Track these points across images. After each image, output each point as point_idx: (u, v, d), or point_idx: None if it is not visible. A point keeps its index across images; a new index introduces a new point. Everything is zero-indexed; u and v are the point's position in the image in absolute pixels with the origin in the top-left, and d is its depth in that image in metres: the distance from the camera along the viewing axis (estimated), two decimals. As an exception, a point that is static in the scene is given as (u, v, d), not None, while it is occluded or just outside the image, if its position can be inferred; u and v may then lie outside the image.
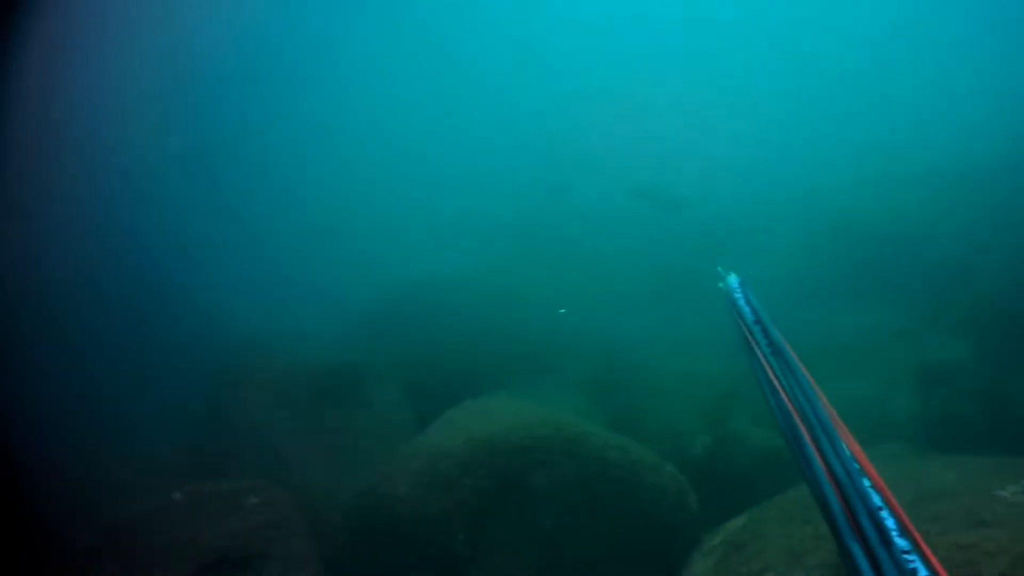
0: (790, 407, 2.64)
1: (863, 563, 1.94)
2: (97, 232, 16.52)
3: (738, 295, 3.62)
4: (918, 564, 1.93)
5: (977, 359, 10.32)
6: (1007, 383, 9.58)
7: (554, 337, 12.94)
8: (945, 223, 13.46)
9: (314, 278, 16.50)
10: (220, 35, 21.86)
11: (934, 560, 2.00)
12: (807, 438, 2.44)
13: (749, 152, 20.75)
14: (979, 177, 14.35)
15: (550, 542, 7.05)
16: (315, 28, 28.48)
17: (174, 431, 10.17)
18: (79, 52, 17.22)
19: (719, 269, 3.93)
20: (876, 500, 2.13)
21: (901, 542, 1.97)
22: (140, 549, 5.88)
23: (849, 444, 2.37)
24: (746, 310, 3.45)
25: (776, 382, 2.82)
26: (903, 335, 11.58)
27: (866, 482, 2.20)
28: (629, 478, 7.51)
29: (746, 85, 26.95)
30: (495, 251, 17.52)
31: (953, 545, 4.68)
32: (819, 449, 2.35)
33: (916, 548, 1.95)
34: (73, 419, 10.20)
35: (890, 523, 2.04)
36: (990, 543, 4.65)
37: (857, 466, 2.26)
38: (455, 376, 11.08)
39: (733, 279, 3.79)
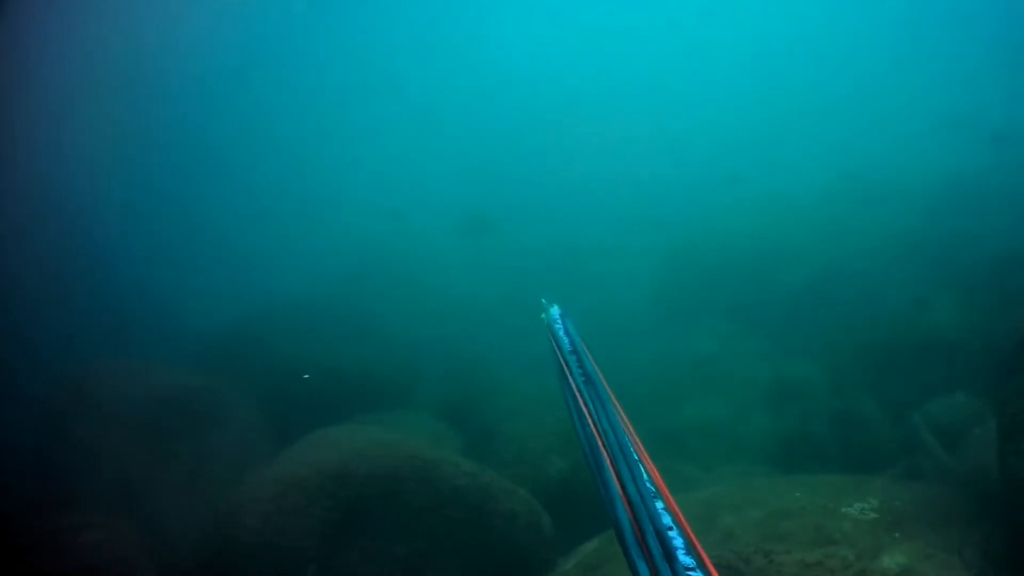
0: (595, 432, 2.76)
1: (643, 571, 2.04)
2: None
3: (558, 325, 3.80)
4: (672, 521, 2.20)
5: (827, 381, 11.04)
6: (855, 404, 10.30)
7: (409, 360, 13.13)
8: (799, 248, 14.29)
9: (166, 296, 15.98)
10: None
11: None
12: (607, 462, 2.55)
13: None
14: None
15: (404, 570, 7.15)
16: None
17: (8, 458, 9.70)
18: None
19: (543, 301, 4.12)
20: (667, 520, 2.24)
21: (686, 559, 2.06)
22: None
23: (648, 469, 2.51)
24: (564, 340, 3.61)
25: (584, 408, 2.94)
26: (758, 357, 12.24)
27: (659, 504, 2.31)
28: (481, 503, 7.68)
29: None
30: (350, 275, 17.49)
31: (799, 563, 4.98)
32: (617, 472, 2.46)
33: (701, 565, 2.05)
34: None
35: (678, 542, 2.14)
36: (835, 560, 4.96)
37: (652, 488, 2.39)
38: (311, 402, 11.04)
39: (555, 310, 3.97)
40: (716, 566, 2.03)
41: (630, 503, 2.30)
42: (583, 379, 3.15)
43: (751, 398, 11.32)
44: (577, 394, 3.08)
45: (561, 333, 3.73)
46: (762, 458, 10.18)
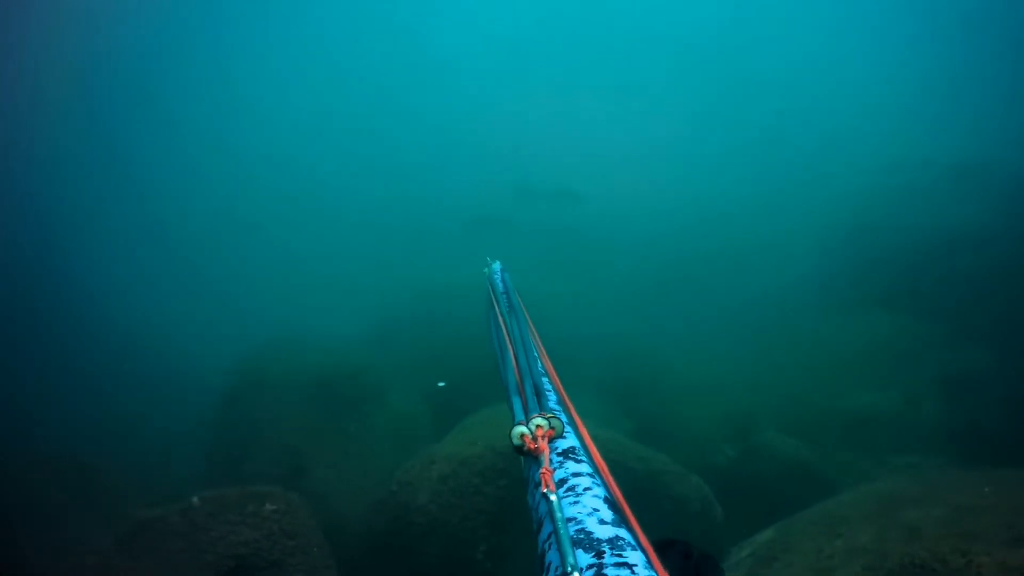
0: (506, 335, 3.47)
1: (518, 407, 2.66)
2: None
3: (496, 276, 4.48)
4: (557, 408, 2.71)
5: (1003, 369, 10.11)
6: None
7: (574, 341, 12.74)
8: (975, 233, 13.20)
9: (332, 283, 16.36)
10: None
11: (564, 395, 2.82)
12: (509, 347, 3.31)
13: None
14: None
15: (574, 552, 6.88)
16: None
17: (192, 432, 10.05)
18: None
19: (487, 258, 4.79)
20: (540, 367, 3.03)
21: (552, 397, 2.81)
22: (158, 553, 5.76)
23: (539, 350, 3.25)
24: (499, 285, 4.31)
25: (502, 322, 3.67)
26: (927, 344, 11.36)
27: (539, 366, 3.04)
28: (653, 489, 7.41)
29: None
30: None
31: (1000, 566, 4.50)
32: (515, 352, 3.23)
33: (560, 400, 2.80)
34: (87, 419, 10.12)
35: (548, 387, 2.91)
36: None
37: (537, 357, 3.12)
38: (472, 383, 10.92)
39: (496, 265, 4.68)
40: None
41: (519, 367, 3.06)
42: (507, 308, 3.87)
43: (920, 387, 10.44)
44: (499, 315, 3.82)
45: (498, 280, 4.41)
46: (934, 450, 9.39)
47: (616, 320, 13.41)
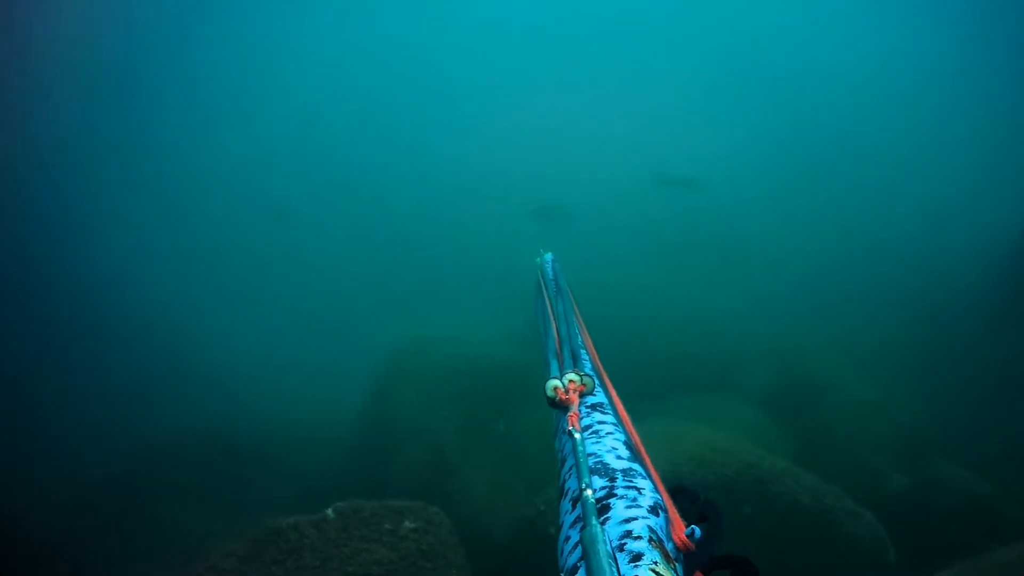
0: (550, 311, 3.62)
1: (555, 367, 3.01)
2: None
3: (547, 265, 4.51)
4: (591, 371, 2.84)
5: None
6: None
7: (729, 338, 11.82)
8: None
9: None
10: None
11: (600, 367, 3.01)
12: (552, 323, 3.45)
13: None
14: None
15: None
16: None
17: (336, 424, 9.96)
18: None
19: (540, 250, 4.80)
20: (580, 341, 3.18)
21: (588, 364, 3.00)
22: (288, 566, 5.52)
23: (581, 329, 3.37)
24: (549, 272, 4.35)
25: (548, 302, 3.81)
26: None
27: (579, 339, 3.18)
28: (823, 526, 6.78)
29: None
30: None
31: None
32: (556, 326, 3.35)
33: (595, 368, 3.00)
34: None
35: (585, 356, 3.08)
36: None
37: (578, 333, 3.23)
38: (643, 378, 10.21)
39: (548, 255, 4.68)
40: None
41: (559, 338, 3.21)
42: (555, 292, 3.92)
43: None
44: (546, 296, 3.92)
45: (548, 269, 4.44)
46: None
47: (767, 320, 12.32)
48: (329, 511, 5.71)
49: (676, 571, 1.82)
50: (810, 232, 16.33)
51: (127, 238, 18.28)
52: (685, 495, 2.32)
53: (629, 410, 2.67)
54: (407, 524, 5.71)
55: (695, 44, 27.16)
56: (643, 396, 9.48)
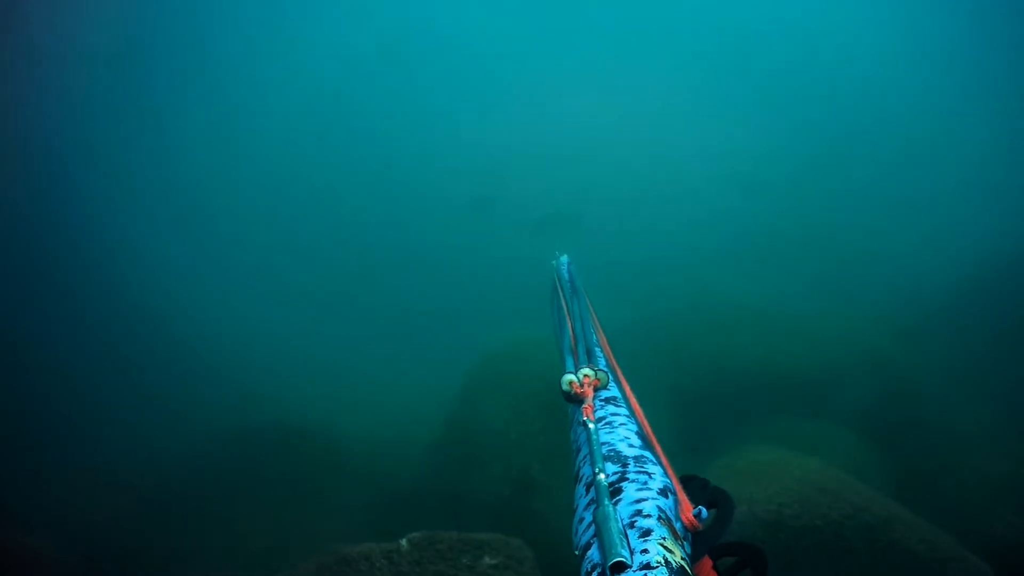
0: (566, 310, 3.78)
1: (570, 362, 3.07)
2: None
3: (563, 267, 4.66)
4: (605, 366, 3.13)
5: None
6: None
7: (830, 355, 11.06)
8: None
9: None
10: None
11: (615, 364, 3.24)
12: (568, 321, 3.61)
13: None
14: None
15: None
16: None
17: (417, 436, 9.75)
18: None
19: (556, 252, 4.96)
20: (594, 339, 3.45)
21: (602, 361, 3.26)
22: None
23: (596, 328, 3.62)
24: (565, 274, 4.53)
25: (564, 302, 3.95)
26: None
27: (594, 338, 3.44)
28: None
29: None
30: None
31: None
32: (572, 324, 3.54)
33: (609, 365, 3.21)
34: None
35: (599, 353, 3.35)
36: None
37: (592, 331, 3.50)
38: (715, 400, 9.73)
39: (564, 258, 4.84)
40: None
41: (575, 335, 3.40)
42: (571, 291, 4.13)
43: None
44: (562, 296, 4.08)
45: (564, 270, 4.61)
46: None
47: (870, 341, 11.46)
48: (403, 541, 5.40)
49: (684, 548, 1.97)
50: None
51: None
52: (696, 482, 2.47)
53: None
54: (487, 560, 5.36)
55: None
56: (737, 417, 9.17)
